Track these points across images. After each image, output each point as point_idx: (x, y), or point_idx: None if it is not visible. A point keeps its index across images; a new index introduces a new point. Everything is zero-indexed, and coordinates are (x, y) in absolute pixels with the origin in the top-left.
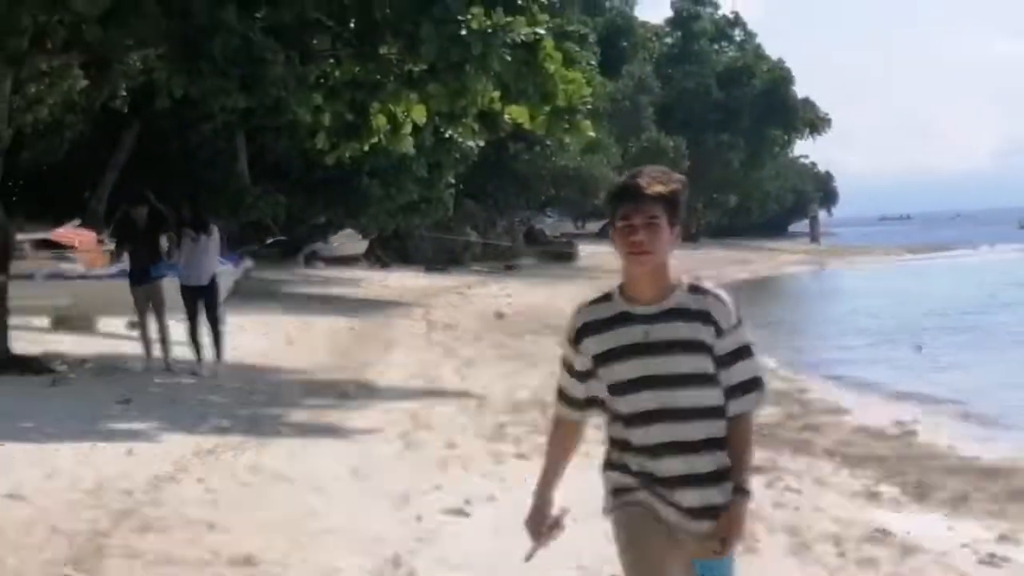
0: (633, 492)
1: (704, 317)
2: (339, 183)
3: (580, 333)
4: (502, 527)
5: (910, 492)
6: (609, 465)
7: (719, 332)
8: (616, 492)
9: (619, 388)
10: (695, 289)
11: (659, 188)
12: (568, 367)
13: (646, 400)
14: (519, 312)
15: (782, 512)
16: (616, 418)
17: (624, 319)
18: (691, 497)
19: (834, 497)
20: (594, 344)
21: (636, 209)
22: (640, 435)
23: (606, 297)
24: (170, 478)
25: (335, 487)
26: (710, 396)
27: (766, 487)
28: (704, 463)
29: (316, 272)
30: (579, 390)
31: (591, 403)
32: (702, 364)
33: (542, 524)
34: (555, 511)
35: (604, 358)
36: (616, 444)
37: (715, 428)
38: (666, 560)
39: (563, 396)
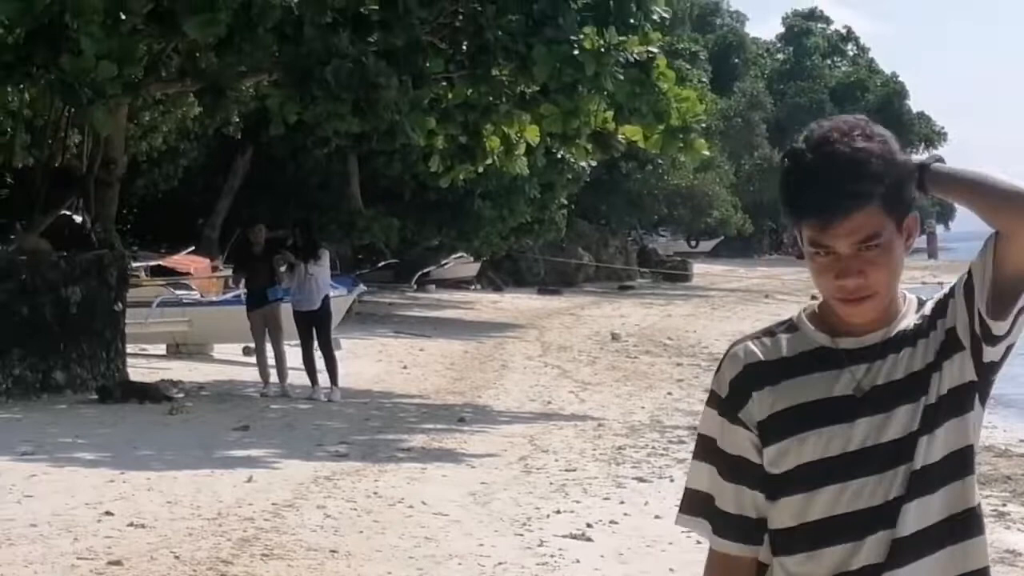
0: None
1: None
2: (452, 205)
3: (740, 388)
4: (625, 552)
5: None
6: None
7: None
8: None
9: (802, 479)
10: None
11: (870, 169)
12: (718, 458)
13: (854, 500)
14: (633, 333)
15: None
16: (787, 542)
17: (822, 359)
18: None
19: None
20: (765, 402)
21: (835, 227)
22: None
23: (786, 326)
24: (290, 505)
25: (455, 512)
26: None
27: None
28: None
29: (429, 295)
30: (746, 501)
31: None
32: (962, 432)
33: None
34: None
35: (782, 426)
36: None
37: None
38: None
39: (715, 516)
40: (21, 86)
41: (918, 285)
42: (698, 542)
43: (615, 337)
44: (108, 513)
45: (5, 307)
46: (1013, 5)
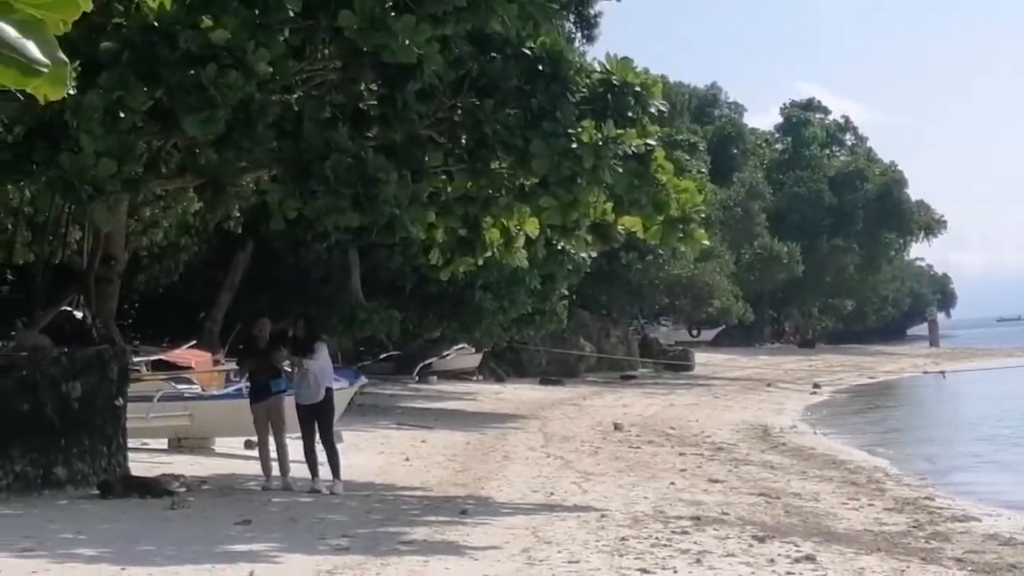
0: None
1: None
2: (452, 297)
3: None
4: None
5: None
6: None
7: None
8: None
9: None
10: None
11: None
12: None
13: None
14: (636, 423)
15: None
16: None
17: None
18: None
19: None
20: None
21: None
22: None
23: None
24: None
25: None
26: None
27: None
28: None
29: (431, 386)
30: None
31: None
32: None
33: None
34: None
35: None
36: None
37: None
38: None
39: None
40: (21, 183)
41: (920, 373)
42: None
43: (618, 427)
44: None
45: (6, 403)
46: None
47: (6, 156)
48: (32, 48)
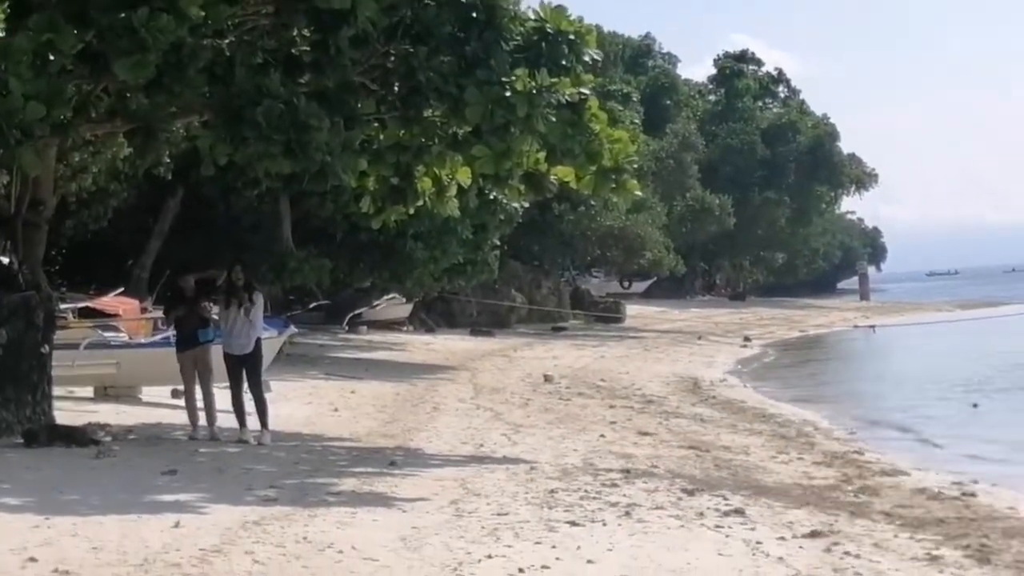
0: None
1: None
2: (383, 247)
3: None
4: None
5: (973, 555)
6: None
7: None
8: None
9: None
10: None
11: None
12: None
13: None
14: (566, 375)
15: None
16: None
17: None
18: None
19: (894, 561)
20: None
21: None
22: None
23: None
24: (218, 551)
25: (385, 557)
26: None
27: (824, 552)
28: None
29: (360, 336)
30: None
31: None
32: None
33: None
34: None
35: None
36: None
37: None
38: None
39: None
40: None
41: (850, 327)
42: None
43: (548, 379)
44: (32, 559)
45: None
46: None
47: None
48: None
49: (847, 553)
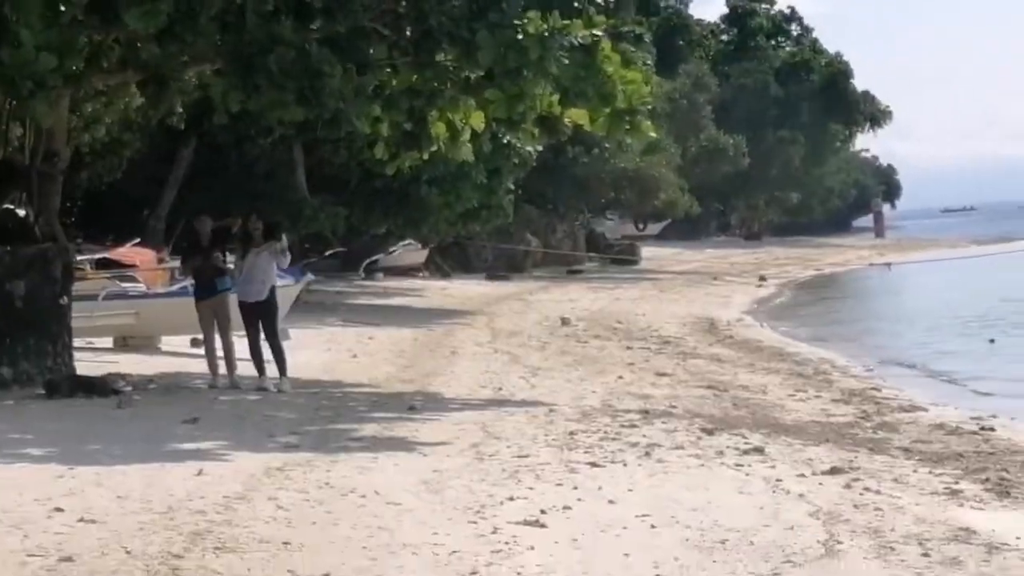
0: None
1: None
2: (398, 193)
3: None
4: (579, 537)
5: (992, 489)
6: None
7: None
8: None
9: None
10: None
11: None
12: None
13: None
14: (583, 317)
15: (863, 514)
16: None
17: None
18: None
19: (914, 496)
20: None
21: None
22: None
23: None
24: (241, 497)
25: (408, 501)
26: None
27: (844, 488)
28: None
29: (376, 283)
30: None
31: None
32: None
33: None
34: None
35: None
36: None
37: None
38: None
39: None
40: None
41: (865, 265)
42: (653, 526)
43: (565, 322)
44: (58, 509)
45: None
46: None
47: None
48: None
49: (867, 489)
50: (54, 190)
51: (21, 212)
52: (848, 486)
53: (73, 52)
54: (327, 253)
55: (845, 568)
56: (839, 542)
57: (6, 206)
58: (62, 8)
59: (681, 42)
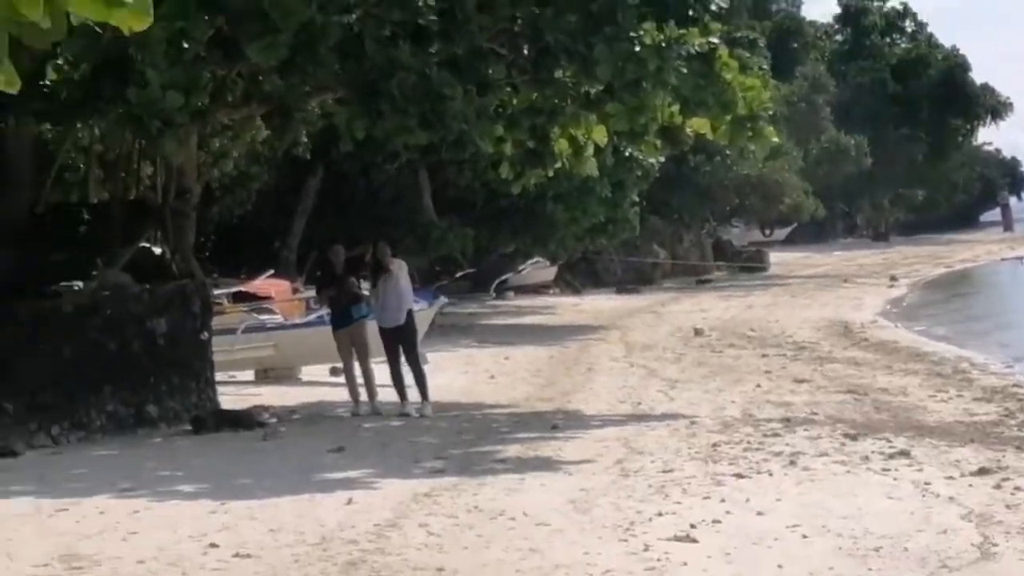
0: None
1: None
2: (524, 211)
3: None
4: (732, 551)
5: None
6: None
7: None
8: None
9: None
10: None
11: None
12: None
13: None
14: (716, 327)
15: (1015, 514)
16: None
17: None
18: None
19: None
20: None
21: None
22: None
23: None
24: (392, 525)
25: (557, 521)
26: None
27: (995, 488)
28: None
29: (508, 302)
30: None
31: None
32: None
33: None
34: None
35: None
36: None
37: None
38: None
39: None
40: (91, 122)
41: (996, 260)
42: (804, 536)
43: (698, 332)
44: (213, 545)
45: (94, 343)
46: None
47: (75, 94)
48: None
49: (1018, 488)
50: (188, 226)
51: (157, 250)
52: (998, 486)
53: (198, 89)
54: (458, 275)
55: (1002, 570)
56: (994, 544)
57: (142, 245)
58: (185, 46)
59: (795, 45)
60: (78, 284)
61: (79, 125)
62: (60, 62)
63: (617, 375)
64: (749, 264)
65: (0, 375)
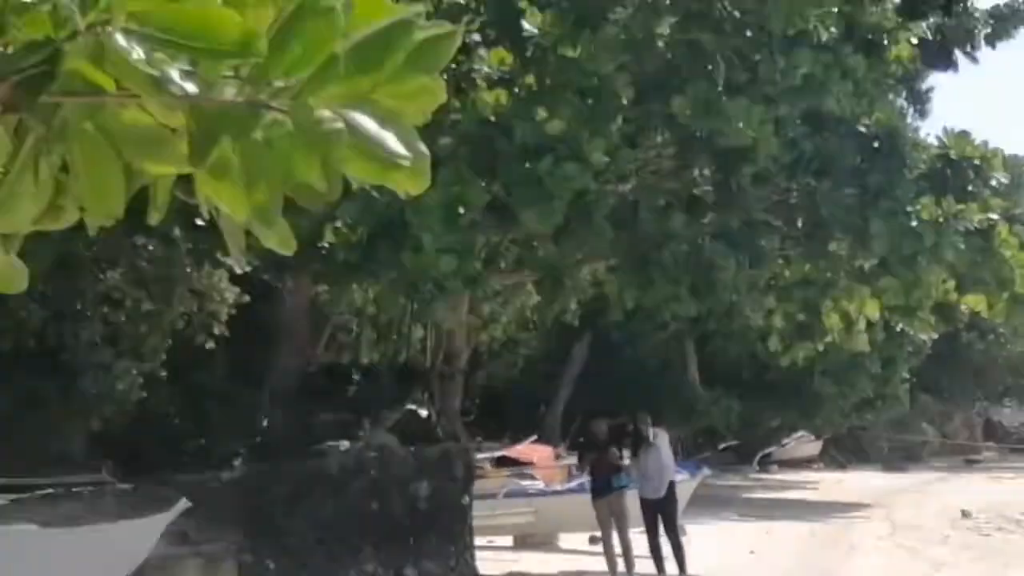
0: None
1: None
2: (791, 384)
3: None
4: None
5: None
6: None
7: None
8: None
9: None
10: None
11: None
12: None
13: None
14: (984, 508)
15: None
16: None
17: None
18: None
19: None
20: None
21: None
22: None
23: None
24: None
25: None
26: None
27: None
28: None
29: (771, 476)
30: None
31: None
32: None
33: None
34: None
35: None
36: None
37: None
38: None
39: None
40: (365, 284)
41: None
42: None
43: (965, 514)
44: None
45: (357, 504)
46: None
47: (352, 257)
48: (392, 140)
49: None
50: (454, 390)
51: (423, 412)
52: None
53: (471, 254)
54: (721, 447)
55: None
56: None
57: (409, 407)
58: (461, 211)
59: None
60: (345, 444)
61: (354, 287)
62: (338, 224)
63: (881, 555)
64: (1021, 446)
65: (265, 532)
